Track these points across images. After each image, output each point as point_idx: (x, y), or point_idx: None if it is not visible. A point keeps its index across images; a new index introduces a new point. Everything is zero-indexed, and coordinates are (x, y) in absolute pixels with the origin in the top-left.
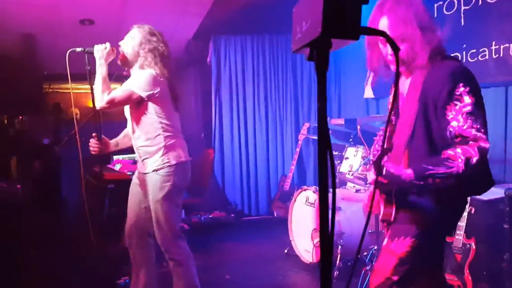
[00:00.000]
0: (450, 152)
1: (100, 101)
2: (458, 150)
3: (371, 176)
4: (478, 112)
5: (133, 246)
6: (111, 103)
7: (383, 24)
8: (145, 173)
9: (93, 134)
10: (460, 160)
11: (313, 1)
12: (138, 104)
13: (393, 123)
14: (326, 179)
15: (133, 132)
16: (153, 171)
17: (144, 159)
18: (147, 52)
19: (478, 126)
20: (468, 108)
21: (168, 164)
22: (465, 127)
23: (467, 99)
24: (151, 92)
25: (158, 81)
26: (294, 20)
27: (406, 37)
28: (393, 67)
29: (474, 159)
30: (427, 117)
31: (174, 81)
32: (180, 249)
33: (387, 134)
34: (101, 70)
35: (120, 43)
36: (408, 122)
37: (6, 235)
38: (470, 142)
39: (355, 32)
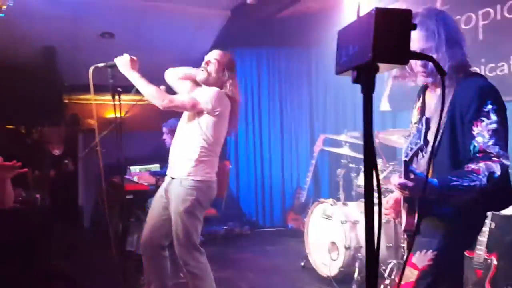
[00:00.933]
0: (473, 166)
1: (161, 100)
2: (482, 165)
3: (395, 179)
4: (502, 131)
5: (147, 258)
6: (171, 102)
7: (414, 36)
8: (172, 178)
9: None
10: (483, 175)
11: (362, 26)
12: (197, 115)
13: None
14: (372, 199)
15: (180, 136)
16: (178, 180)
17: (174, 166)
18: (229, 79)
19: (501, 144)
20: (494, 125)
21: (193, 178)
22: (489, 143)
23: (493, 117)
24: (214, 108)
25: (223, 100)
26: (340, 43)
27: (435, 49)
28: (421, 79)
29: (497, 175)
30: (454, 131)
31: (238, 101)
32: (198, 263)
33: (424, 131)
34: (133, 76)
35: (206, 60)
36: (434, 134)
37: (25, 244)
38: (493, 158)
39: (404, 57)
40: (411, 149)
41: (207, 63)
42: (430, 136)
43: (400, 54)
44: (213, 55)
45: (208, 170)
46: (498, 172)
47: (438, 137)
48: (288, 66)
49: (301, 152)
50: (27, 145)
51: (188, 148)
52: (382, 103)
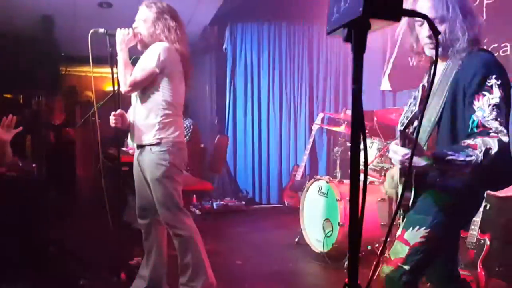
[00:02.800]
0: (470, 141)
1: (124, 85)
2: (479, 140)
3: (394, 147)
4: (504, 107)
5: (144, 227)
6: (135, 85)
7: (423, 4)
8: (140, 146)
9: (114, 112)
10: (480, 150)
11: None
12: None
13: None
14: (359, 161)
15: (136, 104)
16: (148, 147)
17: (139, 134)
18: (162, 30)
19: (502, 120)
20: (497, 100)
21: (160, 141)
22: (489, 118)
23: (496, 92)
24: (164, 65)
25: (173, 55)
26: (331, 0)
27: (447, 19)
28: (429, 52)
29: (493, 151)
30: (455, 105)
31: (187, 57)
32: (185, 225)
33: (419, 98)
34: (122, 55)
35: (133, 26)
36: (436, 108)
37: (22, 213)
38: (492, 134)
39: (397, 13)
40: (407, 117)
41: (135, 28)
42: (425, 118)
43: (393, 10)
44: (138, 16)
45: (174, 131)
46: (495, 148)
47: (433, 107)
48: (289, 42)
49: (300, 130)
50: (25, 114)
51: (149, 113)
52: (383, 83)
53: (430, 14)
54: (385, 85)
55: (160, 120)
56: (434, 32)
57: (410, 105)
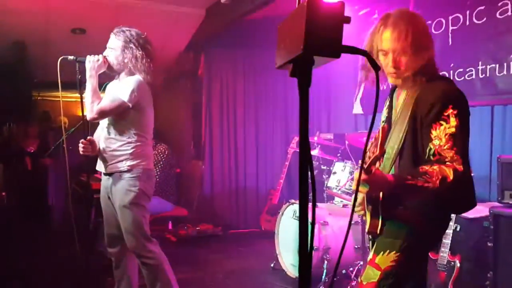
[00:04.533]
0: (427, 168)
1: (90, 111)
2: (436, 167)
3: (357, 175)
4: (460, 136)
5: (114, 256)
6: (101, 113)
7: (387, 37)
8: (109, 175)
9: (83, 140)
10: (436, 178)
11: (296, 19)
12: (122, 112)
13: (386, 131)
14: (307, 193)
15: (107, 134)
16: (117, 174)
17: (109, 163)
18: (131, 59)
19: (457, 149)
20: (453, 130)
21: (131, 169)
22: (445, 147)
23: (453, 121)
24: (137, 101)
25: (144, 88)
26: (279, 37)
27: (403, 50)
28: (390, 80)
29: (449, 179)
30: (415, 135)
31: (156, 85)
32: (152, 253)
33: (380, 141)
34: (91, 81)
35: (104, 53)
36: (399, 137)
37: None
38: (447, 163)
39: (336, 50)
40: (369, 157)
41: (105, 55)
42: (388, 146)
43: (333, 47)
44: (108, 44)
45: (144, 159)
46: (450, 176)
47: (390, 143)
48: (263, 68)
49: (275, 154)
50: None
51: (121, 144)
52: (355, 107)
53: (394, 46)
54: (357, 108)
55: (132, 151)
56: (374, 67)
57: (372, 145)
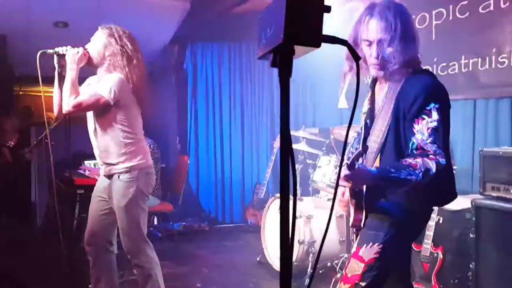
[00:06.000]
0: (411, 160)
1: (67, 104)
2: (419, 160)
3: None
4: (442, 130)
5: (92, 254)
6: (78, 107)
7: (372, 27)
8: (108, 176)
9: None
10: (419, 170)
11: (277, 8)
12: (103, 110)
13: (368, 126)
14: (288, 185)
15: (96, 137)
16: (115, 175)
17: (104, 164)
18: (112, 55)
19: (439, 143)
20: (435, 124)
21: (129, 169)
22: (428, 141)
23: (435, 115)
24: (118, 97)
25: (125, 86)
26: (260, 27)
27: (390, 41)
28: (373, 72)
29: (432, 172)
30: (398, 128)
31: (140, 85)
32: (148, 257)
33: (362, 137)
34: (71, 74)
35: (86, 46)
36: (382, 130)
37: None
38: (430, 156)
39: (317, 40)
40: (352, 153)
41: (86, 48)
42: (371, 140)
43: (313, 36)
44: (92, 37)
45: (140, 156)
46: (433, 169)
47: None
48: (249, 62)
49: (261, 148)
50: None
51: (111, 144)
52: (340, 101)
53: (378, 36)
54: (343, 103)
55: (124, 151)
56: (354, 57)
57: (354, 140)
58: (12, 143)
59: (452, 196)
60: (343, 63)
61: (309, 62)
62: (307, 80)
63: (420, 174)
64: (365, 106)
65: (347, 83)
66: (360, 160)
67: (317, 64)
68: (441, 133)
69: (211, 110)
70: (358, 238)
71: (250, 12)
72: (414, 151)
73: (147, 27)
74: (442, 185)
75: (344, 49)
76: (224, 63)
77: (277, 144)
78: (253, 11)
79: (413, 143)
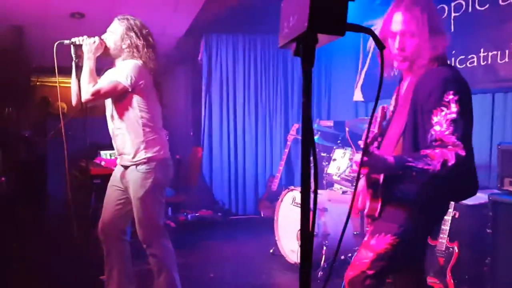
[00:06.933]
0: (428, 151)
1: (86, 93)
2: (437, 151)
3: (357, 157)
4: (461, 121)
5: (106, 243)
6: (97, 94)
7: (397, 19)
8: (125, 166)
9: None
10: (437, 161)
11: None
12: (122, 96)
13: (384, 112)
14: (309, 173)
15: (114, 125)
16: (133, 166)
17: (122, 154)
18: (130, 46)
19: (458, 135)
20: (454, 115)
21: (147, 160)
22: (446, 133)
23: (453, 107)
24: (136, 83)
25: (142, 72)
26: (282, 15)
27: (416, 34)
28: (396, 64)
29: (450, 163)
30: (415, 120)
31: (159, 73)
32: (163, 247)
33: (378, 120)
34: (89, 64)
35: (102, 37)
36: (401, 121)
37: None
38: (449, 147)
39: (341, 28)
40: (368, 136)
41: (103, 38)
42: (390, 132)
43: (337, 25)
44: (109, 28)
45: (158, 147)
46: (452, 161)
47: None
48: (264, 54)
49: (275, 141)
50: None
51: (130, 132)
52: (356, 94)
53: (402, 28)
54: (358, 95)
55: (142, 139)
56: (379, 46)
57: (372, 124)
58: (30, 134)
59: (471, 192)
60: (358, 56)
61: (325, 54)
62: (321, 72)
63: (438, 165)
64: (391, 104)
65: (363, 76)
66: (375, 144)
67: (332, 56)
68: (461, 125)
69: (225, 102)
70: (371, 228)
71: (266, 3)
72: (433, 143)
73: (162, 19)
74: (461, 179)
75: (360, 43)
76: (238, 54)
77: (291, 137)
78: (268, 2)
79: (432, 134)
